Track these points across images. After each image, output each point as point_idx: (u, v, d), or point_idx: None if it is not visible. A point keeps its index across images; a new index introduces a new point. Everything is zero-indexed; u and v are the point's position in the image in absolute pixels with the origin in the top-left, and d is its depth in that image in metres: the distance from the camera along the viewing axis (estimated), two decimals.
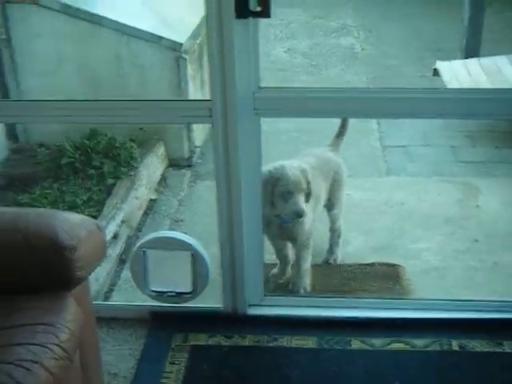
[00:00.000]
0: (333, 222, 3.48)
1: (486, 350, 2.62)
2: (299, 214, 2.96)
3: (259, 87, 2.45)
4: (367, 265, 3.42)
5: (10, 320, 1.92)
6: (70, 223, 2.09)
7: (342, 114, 3.11)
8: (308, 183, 3.00)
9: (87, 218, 2.21)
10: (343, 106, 2.59)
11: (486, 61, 5.44)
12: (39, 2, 4.16)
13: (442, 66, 5.54)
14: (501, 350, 2.62)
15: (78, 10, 4.20)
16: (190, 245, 2.70)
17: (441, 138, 4.93)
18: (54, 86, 4.33)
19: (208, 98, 2.46)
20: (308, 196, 3.02)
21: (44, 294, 2.02)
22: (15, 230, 2.04)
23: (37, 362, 1.81)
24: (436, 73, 5.54)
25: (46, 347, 1.86)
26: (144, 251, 2.73)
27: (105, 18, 4.24)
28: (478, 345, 2.65)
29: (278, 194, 2.96)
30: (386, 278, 3.32)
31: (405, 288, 3.26)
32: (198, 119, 2.82)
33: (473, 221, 3.84)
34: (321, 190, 3.29)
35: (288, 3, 8.12)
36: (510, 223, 3.77)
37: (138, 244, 2.76)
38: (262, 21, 2.34)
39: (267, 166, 2.92)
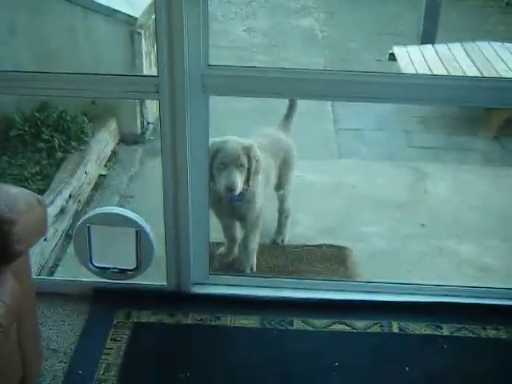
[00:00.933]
0: (281, 202, 3.48)
1: (425, 332, 2.66)
2: (230, 188, 2.94)
3: (208, 65, 2.43)
4: (314, 246, 3.44)
5: None
6: (10, 196, 2.06)
7: (293, 95, 3.10)
8: (250, 160, 2.98)
9: (28, 191, 2.18)
10: (294, 87, 2.57)
11: (442, 47, 5.50)
12: None
13: (398, 50, 5.58)
14: (439, 333, 2.66)
15: None
16: (135, 221, 2.67)
17: (395, 122, 4.98)
18: (4, 56, 4.24)
19: None
20: (251, 173, 3.00)
21: None
22: None
23: None
24: (392, 57, 5.59)
25: None
26: (88, 226, 2.70)
27: None
28: (417, 327, 2.68)
29: (215, 166, 2.95)
30: (332, 259, 3.34)
31: (351, 270, 3.29)
32: (145, 95, 2.80)
33: (421, 206, 3.88)
34: (271, 170, 3.29)
35: None
36: (456, 209, 3.82)
37: (83, 219, 2.73)
38: None
39: (213, 139, 2.91)
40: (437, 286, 2.90)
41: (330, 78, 2.56)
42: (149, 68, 4.37)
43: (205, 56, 2.40)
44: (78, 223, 2.75)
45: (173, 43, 2.33)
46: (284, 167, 3.39)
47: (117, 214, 2.71)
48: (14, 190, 2.13)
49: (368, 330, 2.66)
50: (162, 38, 2.33)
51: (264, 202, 3.23)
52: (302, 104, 3.61)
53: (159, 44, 2.35)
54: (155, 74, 2.44)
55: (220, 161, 2.95)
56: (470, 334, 2.67)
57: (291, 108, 3.48)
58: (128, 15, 4.24)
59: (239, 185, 2.96)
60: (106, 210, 2.77)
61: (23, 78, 2.66)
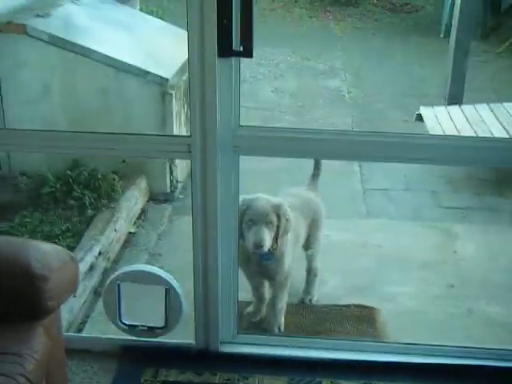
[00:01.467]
0: (310, 261, 3.48)
1: None
2: (258, 244, 2.94)
3: (239, 125, 2.47)
4: (343, 306, 3.42)
5: None
6: (43, 252, 2.09)
7: (322, 156, 3.12)
8: (279, 218, 2.99)
9: (60, 248, 2.21)
10: (323, 148, 2.61)
11: (469, 108, 5.53)
12: (27, 33, 4.19)
13: (425, 111, 5.62)
14: None
15: (66, 41, 4.24)
16: (164, 279, 2.69)
17: (422, 182, 4.99)
18: (39, 115, 4.35)
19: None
20: (280, 232, 3.00)
21: (13, 323, 2.01)
22: None
23: None
24: (419, 118, 5.63)
25: (11, 377, 1.85)
26: (118, 284, 2.72)
27: (92, 50, 4.27)
28: None
29: (245, 223, 2.97)
30: (360, 320, 3.32)
31: (379, 331, 3.26)
32: (177, 155, 2.84)
33: (450, 266, 3.86)
34: (300, 230, 3.30)
35: (278, 44, 8.25)
36: (486, 270, 3.79)
37: (112, 276, 2.75)
38: (251, 60, 2.36)
39: (243, 196, 2.94)
40: (467, 348, 2.86)
41: (360, 140, 2.59)
42: (178, 127, 4.44)
43: (236, 117, 2.44)
44: (108, 280, 2.77)
45: (205, 104, 2.38)
46: (313, 227, 3.40)
47: (147, 272, 2.73)
48: (47, 247, 2.17)
49: None
50: (194, 100, 2.38)
51: (292, 261, 3.23)
52: (329, 163, 3.65)
53: (192, 105, 2.40)
54: (185, 133, 2.48)
55: (249, 218, 2.96)
56: None
57: (317, 167, 3.51)
58: (160, 76, 4.33)
59: (267, 242, 2.96)
60: (136, 268, 2.79)
61: (57, 138, 2.73)
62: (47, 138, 2.71)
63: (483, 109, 5.48)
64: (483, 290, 3.60)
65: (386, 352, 2.82)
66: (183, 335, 2.84)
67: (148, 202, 4.54)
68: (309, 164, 3.68)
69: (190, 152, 2.46)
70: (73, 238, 3.76)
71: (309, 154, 2.79)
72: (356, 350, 2.83)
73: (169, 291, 2.70)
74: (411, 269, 3.80)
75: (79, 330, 3.25)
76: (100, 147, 2.63)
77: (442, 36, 8.79)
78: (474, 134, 4.96)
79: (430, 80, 7.06)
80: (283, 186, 3.58)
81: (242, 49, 2.30)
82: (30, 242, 2.21)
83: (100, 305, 3.27)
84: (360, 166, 5.11)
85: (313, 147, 2.59)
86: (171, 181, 4.59)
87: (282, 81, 7.42)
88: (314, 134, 2.61)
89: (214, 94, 2.36)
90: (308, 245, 3.43)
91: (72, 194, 4.07)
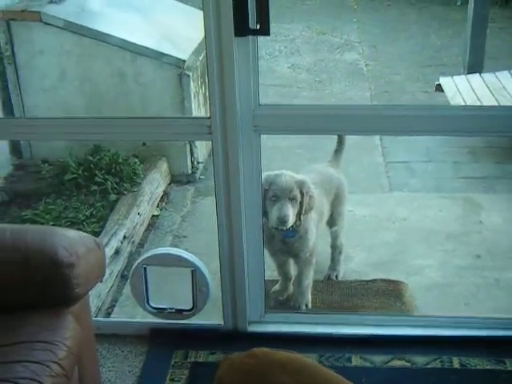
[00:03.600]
0: (334, 238, 3.47)
1: (487, 367, 2.60)
2: (282, 220, 2.94)
3: (259, 104, 2.45)
4: (369, 281, 3.41)
5: (9, 337, 1.93)
6: (69, 240, 2.10)
7: (343, 131, 3.10)
8: (302, 195, 2.98)
9: (86, 234, 2.22)
10: (343, 124, 2.59)
11: (489, 76, 5.45)
12: (42, 20, 4.19)
13: (445, 81, 5.56)
14: (502, 368, 2.60)
15: (80, 26, 4.23)
16: (191, 261, 2.70)
17: (443, 153, 4.94)
18: (57, 102, 4.36)
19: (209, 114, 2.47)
20: (303, 208, 3.00)
21: (42, 310, 2.03)
22: (14, 246, 2.05)
23: (35, 380, 1.81)
24: (439, 88, 5.56)
25: (44, 365, 1.86)
26: (144, 267, 2.73)
27: (107, 34, 4.26)
28: (479, 362, 2.63)
29: (269, 199, 2.96)
30: (387, 294, 3.31)
31: (407, 304, 3.25)
32: (198, 136, 2.83)
33: (475, 237, 3.83)
34: (323, 206, 3.29)
35: (293, 19, 8.18)
36: None
37: (139, 260, 2.77)
38: (267, 37, 2.34)
39: (267, 172, 2.94)
40: (497, 319, 2.85)
41: (380, 113, 2.57)
42: (197, 109, 4.43)
43: (255, 95, 2.43)
44: (135, 264, 2.79)
45: (224, 84, 2.37)
46: (336, 203, 3.39)
47: (172, 254, 2.74)
48: (72, 234, 2.18)
49: (428, 366, 2.62)
50: (213, 80, 2.37)
51: (317, 238, 3.23)
52: (351, 138, 3.62)
53: (211, 86, 2.39)
54: (204, 114, 2.48)
55: (273, 193, 2.96)
56: None
57: (340, 143, 3.48)
58: (176, 58, 4.31)
59: (291, 218, 2.96)
60: (162, 251, 2.80)
61: (77, 124, 2.73)
62: (67, 125, 2.72)
63: (504, 76, 5.39)
64: (510, 260, 3.57)
65: (414, 326, 2.81)
66: (211, 316, 2.85)
67: (170, 184, 4.55)
68: (327, 141, 3.67)
69: (210, 133, 2.46)
70: (97, 224, 3.77)
71: (329, 131, 2.77)
72: (384, 325, 2.83)
73: (195, 273, 2.71)
74: (436, 241, 3.77)
75: (108, 315, 3.27)
76: (120, 132, 2.63)
77: (459, 4, 8.66)
78: (495, 102, 4.89)
79: (449, 49, 6.97)
80: (303, 164, 3.56)
81: (258, 27, 2.28)
82: (56, 229, 2.21)
83: (127, 289, 3.29)
84: (381, 139, 5.07)
85: (333, 123, 2.57)
86: (192, 162, 4.59)
87: (298, 56, 7.37)
88: (333, 110, 2.59)
89: (232, 74, 2.35)
90: (332, 221, 3.42)
91: (94, 179, 4.08)
